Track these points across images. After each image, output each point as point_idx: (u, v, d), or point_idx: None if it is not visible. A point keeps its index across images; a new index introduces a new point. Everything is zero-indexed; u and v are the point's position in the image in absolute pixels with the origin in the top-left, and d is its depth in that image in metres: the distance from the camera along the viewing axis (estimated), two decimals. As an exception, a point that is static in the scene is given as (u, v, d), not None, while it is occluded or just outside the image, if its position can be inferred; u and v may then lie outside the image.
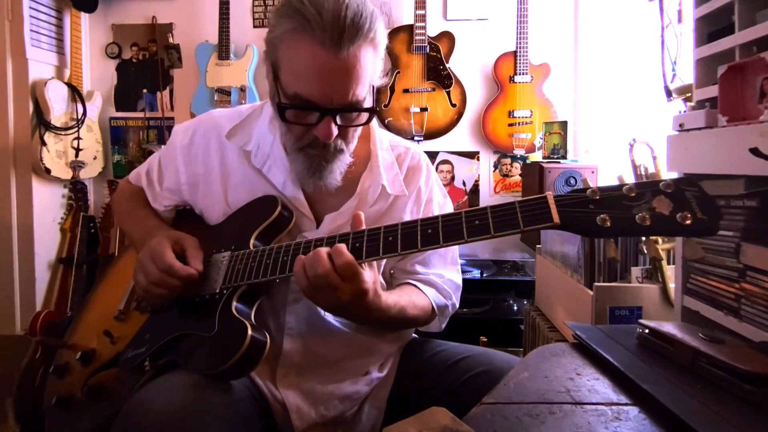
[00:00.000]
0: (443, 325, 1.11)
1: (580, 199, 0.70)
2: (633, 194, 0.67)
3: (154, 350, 0.92)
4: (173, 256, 0.94)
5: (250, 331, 0.84)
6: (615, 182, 0.75)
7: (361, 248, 0.83)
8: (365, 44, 0.86)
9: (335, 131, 0.90)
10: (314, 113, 0.88)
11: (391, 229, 0.83)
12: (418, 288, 1.05)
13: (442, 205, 1.13)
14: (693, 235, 0.66)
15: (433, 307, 1.05)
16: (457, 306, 1.12)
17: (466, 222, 0.76)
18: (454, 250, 1.14)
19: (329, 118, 0.88)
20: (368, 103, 0.92)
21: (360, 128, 0.98)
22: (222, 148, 1.07)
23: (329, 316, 1.03)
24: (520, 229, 0.72)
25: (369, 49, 0.88)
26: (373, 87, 0.93)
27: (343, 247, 0.81)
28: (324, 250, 0.81)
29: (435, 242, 0.78)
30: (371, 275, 0.85)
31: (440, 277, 1.09)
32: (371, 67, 0.89)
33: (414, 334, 1.17)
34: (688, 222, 0.63)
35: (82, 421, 0.95)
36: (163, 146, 1.26)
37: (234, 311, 0.89)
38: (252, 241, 0.98)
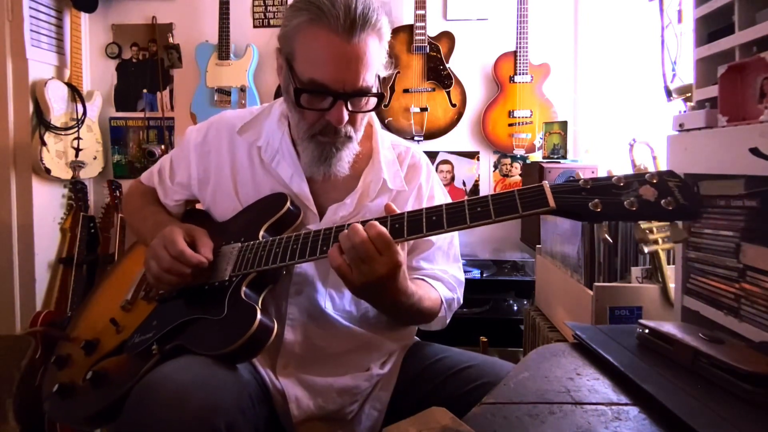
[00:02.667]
0: (447, 321, 1.12)
1: (573, 187, 0.76)
2: (621, 184, 0.73)
3: (162, 334, 0.93)
4: (185, 244, 0.97)
5: (259, 314, 0.87)
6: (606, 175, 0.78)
7: None
8: (373, 34, 0.94)
9: (346, 116, 0.95)
10: (327, 98, 0.94)
11: (397, 217, 0.87)
12: (428, 282, 1.07)
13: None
14: (677, 219, 0.73)
15: (441, 300, 1.07)
16: (462, 301, 1.14)
17: (468, 209, 0.81)
18: (456, 248, 1.16)
19: (341, 102, 0.94)
20: (375, 91, 0.98)
21: (367, 116, 1.04)
22: (233, 145, 1.12)
23: (331, 309, 1.04)
24: (519, 214, 0.77)
25: (376, 39, 0.95)
26: (379, 77, 0.99)
27: (376, 222, 0.85)
28: (359, 225, 0.85)
29: (440, 227, 0.82)
30: (402, 253, 0.88)
31: (445, 273, 1.11)
32: (378, 56, 0.96)
33: (416, 337, 1.17)
34: (671, 207, 0.69)
35: (84, 407, 0.95)
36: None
37: (243, 296, 0.92)
38: (261, 233, 1.01)
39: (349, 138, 1.00)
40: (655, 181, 0.71)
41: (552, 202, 0.75)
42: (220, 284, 0.96)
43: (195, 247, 0.99)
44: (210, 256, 0.99)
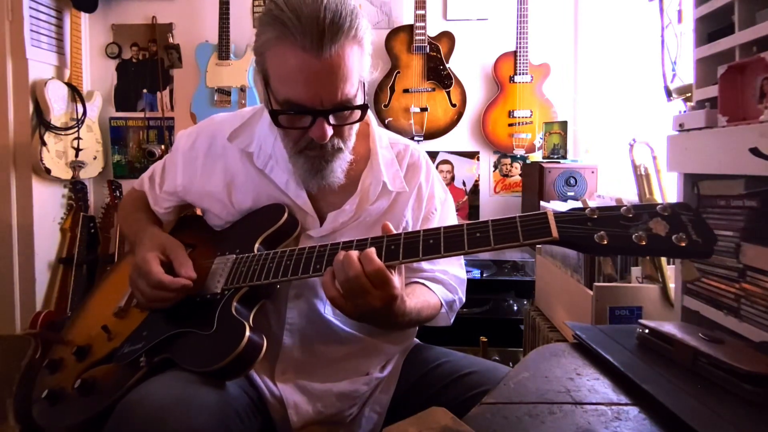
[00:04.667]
0: (452, 320, 1.12)
1: (578, 216, 0.72)
2: (630, 215, 0.69)
3: (150, 346, 0.92)
4: (161, 271, 0.94)
5: (248, 331, 0.84)
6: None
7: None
8: (348, 42, 0.87)
9: (330, 131, 0.91)
10: (307, 116, 0.90)
11: (393, 239, 0.84)
12: (427, 286, 1.06)
13: (443, 201, 1.14)
14: (688, 257, 0.68)
15: (442, 303, 1.07)
16: (464, 300, 1.14)
17: (467, 234, 0.78)
18: None
19: (322, 119, 0.89)
20: (359, 100, 0.93)
21: (356, 125, 0.98)
22: (224, 151, 1.08)
23: (330, 314, 1.03)
24: (520, 243, 0.74)
25: (353, 47, 0.88)
26: (363, 83, 0.94)
27: (372, 252, 0.81)
28: (354, 254, 0.82)
29: (436, 252, 0.79)
30: (399, 281, 0.85)
31: (445, 274, 1.10)
32: (358, 64, 0.90)
33: (416, 339, 1.17)
34: (683, 244, 0.65)
35: (71, 414, 0.94)
36: (164, 146, 1.28)
37: (233, 311, 0.90)
38: (256, 246, 0.99)
39: (339, 150, 0.96)
40: (666, 213, 0.68)
41: (555, 233, 0.72)
42: (211, 297, 0.94)
43: (173, 268, 0.96)
44: (192, 274, 0.96)
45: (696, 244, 0.65)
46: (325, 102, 0.88)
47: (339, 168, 0.98)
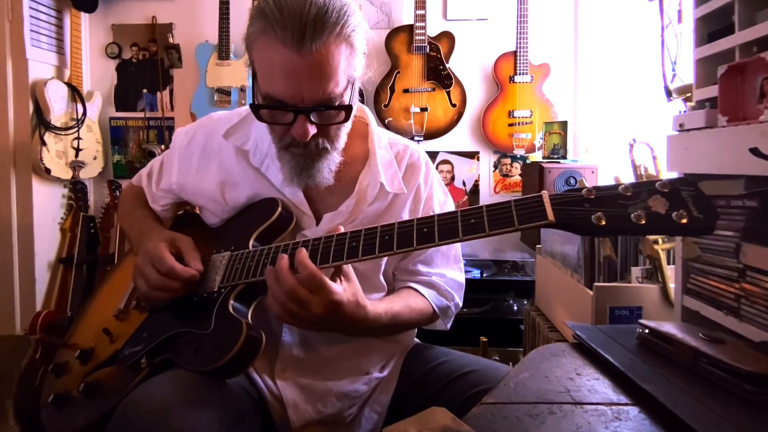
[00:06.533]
0: (449, 325, 1.11)
1: (575, 197, 0.69)
2: (629, 193, 0.67)
3: (150, 348, 0.92)
4: (173, 259, 0.94)
5: (245, 329, 0.84)
6: (612, 182, 0.75)
7: (357, 247, 0.83)
8: (333, 39, 0.84)
9: (312, 130, 0.89)
10: (289, 113, 0.88)
11: (387, 229, 0.82)
12: (418, 291, 1.05)
13: (442, 203, 1.13)
14: (689, 234, 0.65)
15: (433, 309, 1.05)
16: (461, 305, 1.12)
17: (461, 221, 0.76)
18: (457, 248, 1.13)
19: (303, 117, 0.87)
20: (346, 100, 0.90)
21: (345, 126, 0.95)
22: (220, 148, 1.08)
23: None
24: (515, 227, 0.71)
25: (340, 45, 0.86)
26: (353, 83, 0.92)
27: (305, 258, 0.82)
28: (286, 265, 0.83)
29: (430, 240, 0.77)
30: (343, 286, 0.85)
31: (442, 277, 1.08)
32: (345, 62, 0.87)
33: (417, 339, 1.17)
34: (684, 221, 0.62)
35: (77, 417, 0.95)
36: (164, 146, 1.28)
37: (231, 309, 0.90)
38: (251, 242, 0.98)
39: (325, 150, 0.93)
40: (666, 190, 0.65)
41: (551, 215, 0.69)
42: (208, 295, 0.94)
43: (182, 260, 0.96)
44: (200, 267, 0.96)
45: (697, 220, 0.62)
46: (306, 99, 0.86)
47: (326, 168, 0.96)
